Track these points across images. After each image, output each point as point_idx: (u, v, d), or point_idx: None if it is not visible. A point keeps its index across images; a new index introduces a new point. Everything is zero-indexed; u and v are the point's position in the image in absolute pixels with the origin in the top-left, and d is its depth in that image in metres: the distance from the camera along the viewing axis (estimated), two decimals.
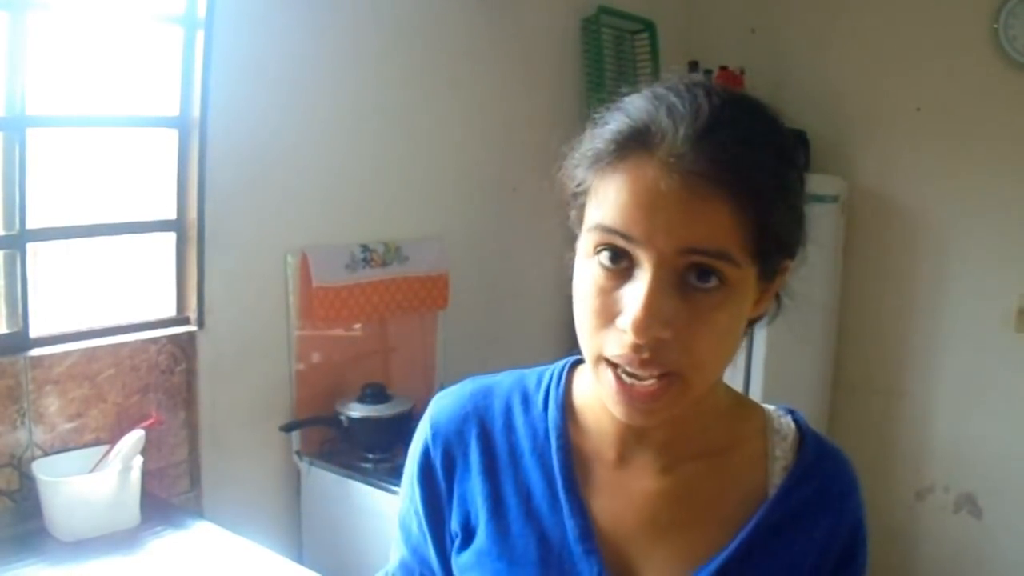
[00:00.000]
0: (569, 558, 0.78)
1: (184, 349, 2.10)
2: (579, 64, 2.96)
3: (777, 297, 0.83)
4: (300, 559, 2.16)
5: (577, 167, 0.74)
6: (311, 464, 2.27)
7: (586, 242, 0.72)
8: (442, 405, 0.88)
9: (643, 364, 0.68)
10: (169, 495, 2.08)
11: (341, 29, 2.33)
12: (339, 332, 2.42)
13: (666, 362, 0.69)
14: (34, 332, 1.87)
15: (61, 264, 1.99)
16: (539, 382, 0.87)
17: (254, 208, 2.21)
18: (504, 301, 2.83)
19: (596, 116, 0.75)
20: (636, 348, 0.68)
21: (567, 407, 0.84)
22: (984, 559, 2.96)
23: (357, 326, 2.46)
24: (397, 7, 2.44)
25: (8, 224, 1.84)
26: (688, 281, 0.68)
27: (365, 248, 2.41)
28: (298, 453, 2.29)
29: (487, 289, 2.78)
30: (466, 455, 0.84)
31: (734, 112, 0.71)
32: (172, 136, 2.09)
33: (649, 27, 3.10)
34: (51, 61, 1.87)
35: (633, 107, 0.72)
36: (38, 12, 1.83)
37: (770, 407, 0.88)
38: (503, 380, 0.88)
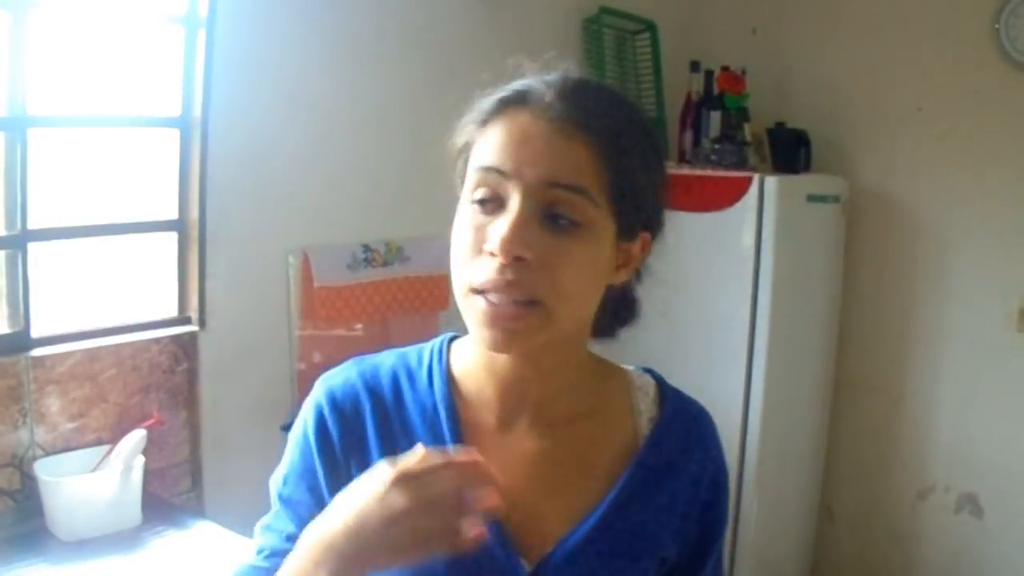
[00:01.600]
0: None
1: (186, 349, 2.10)
2: (580, 64, 2.95)
3: (633, 303, 0.92)
4: None
5: (464, 128, 0.86)
6: None
7: (466, 189, 0.81)
8: (334, 382, 0.91)
9: (508, 285, 0.76)
10: (170, 495, 2.08)
11: (342, 29, 2.33)
12: (340, 332, 2.42)
13: (528, 286, 0.76)
14: (36, 332, 1.87)
15: (63, 264, 1.99)
16: (419, 358, 0.92)
17: (255, 208, 2.21)
18: None
19: (479, 95, 0.87)
20: (501, 269, 0.75)
21: (450, 380, 0.89)
22: (985, 559, 2.96)
23: (358, 326, 2.45)
24: (398, 7, 2.44)
25: (10, 224, 1.84)
26: (552, 218, 0.77)
27: (366, 248, 2.41)
28: None
29: None
30: (362, 428, 0.87)
31: (599, 87, 0.85)
32: (174, 136, 2.09)
33: (650, 27, 3.10)
34: (52, 61, 1.87)
35: (515, 80, 0.86)
36: (39, 12, 1.83)
37: (628, 367, 0.96)
38: (385, 358, 0.93)
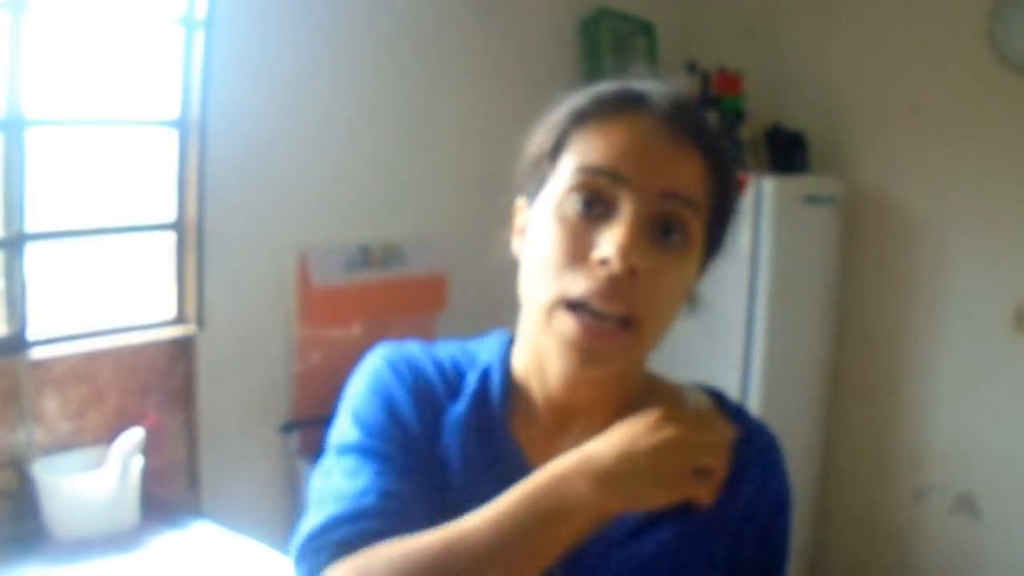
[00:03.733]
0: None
1: (183, 350, 2.10)
2: (578, 65, 2.97)
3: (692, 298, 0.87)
4: None
5: (555, 126, 0.79)
6: (310, 464, 2.27)
7: (557, 191, 0.76)
8: (391, 349, 0.88)
9: (613, 296, 0.72)
10: (168, 495, 2.08)
11: (341, 30, 2.33)
12: (338, 333, 2.42)
13: (631, 300, 0.72)
14: (33, 333, 1.87)
15: (60, 265, 1.99)
16: (479, 357, 0.88)
17: (254, 209, 2.21)
18: (503, 303, 2.83)
19: (568, 94, 0.82)
20: (613, 279, 0.71)
21: (509, 385, 0.85)
22: (982, 559, 2.96)
23: (356, 327, 2.46)
24: (396, 8, 2.45)
25: (8, 225, 1.83)
26: (656, 234, 0.74)
27: (364, 249, 2.42)
28: (297, 453, 2.29)
29: (486, 290, 2.78)
30: (426, 400, 0.84)
31: (695, 103, 0.84)
32: (172, 137, 2.09)
33: (647, 28, 3.11)
34: (51, 62, 1.87)
35: (620, 83, 0.80)
36: (38, 13, 1.83)
37: (683, 384, 0.90)
38: (448, 348, 0.90)
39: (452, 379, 0.86)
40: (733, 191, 0.80)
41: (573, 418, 0.83)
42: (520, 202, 0.85)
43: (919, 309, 3.04)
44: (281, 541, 2.25)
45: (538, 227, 0.77)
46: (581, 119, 0.78)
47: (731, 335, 2.75)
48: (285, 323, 2.30)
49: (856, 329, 3.15)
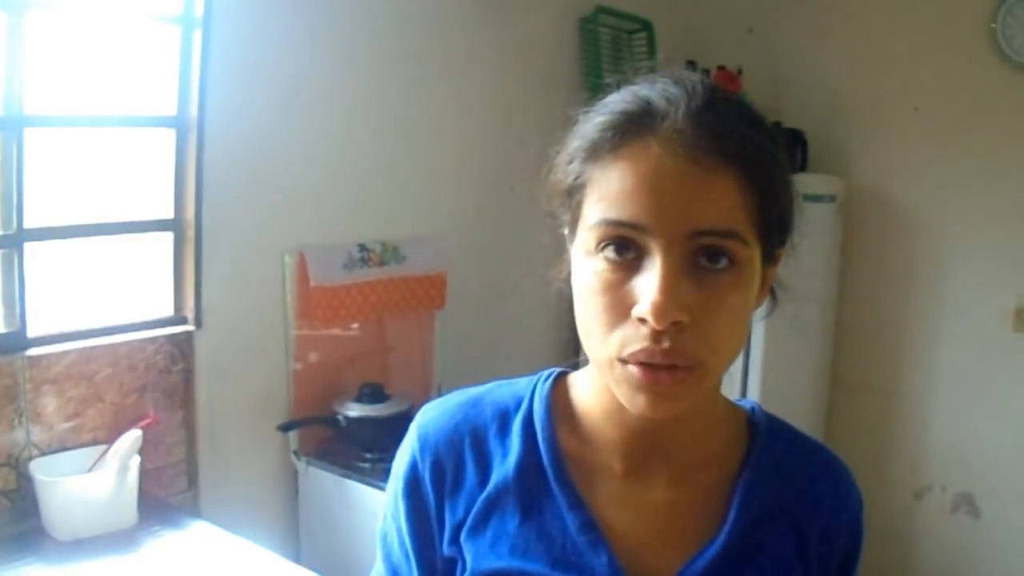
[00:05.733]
0: (575, 550, 0.75)
1: (181, 348, 2.10)
2: (577, 63, 2.96)
3: (772, 290, 0.82)
4: (298, 559, 2.16)
5: (571, 162, 0.73)
6: (309, 464, 2.27)
7: (587, 240, 0.70)
8: (430, 416, 0.84)
9: (665, 355, 0.66)
10: (166, 495, 2.08)
11: (338, 28, 2.33)
12: (337, 332, 2.42)
13: (686, 350, 0.67)
14: (31, 332, 1.87)
15: (59, 264, 1.99)
16: (531, 387, 0.84)
17: (251, 208, 2.20)
18: (502, 301, 2.83)
19: (579, 114, 0.75)
20: (656, 337, 0.66)
21: (555, 410, 0.81)
22: (982, 559, 2.97)
23: (355, 326, 2.45)
24: (394, 7, 2.44)
25: (6, 224, 1.83)
26: (699, 264, 0.67)
27: (363, 248, 2.41)
28: (296, 453, 2.29)
29: (485, 289, 2.78)
30: (460, 466, 0.80)
31: (724, 94, 0.72)
32: (169, 136, 2.09)
33: (647, 26, 3.10)
34: (49, 61, 1.87)
35: (626, 96, 0.72)
36: (37, 12, 1.82)
37: (737, 401, 0.87)
38: (492, 388, 0.86)
39: (508, 415, 0.82)
40: (782, 185, 0.72)
41: (654, 453, 0.79)
42: (565, 232, 0.79)
43: (919, 308, 3.04)
44: (280, 540, 2.25)
45: (577, 274, 0.73)
46: (595, 153, 0.71)
47: None
48: (283, 322, 2.30)
49: (855, 328, 3.15)
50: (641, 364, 0.67)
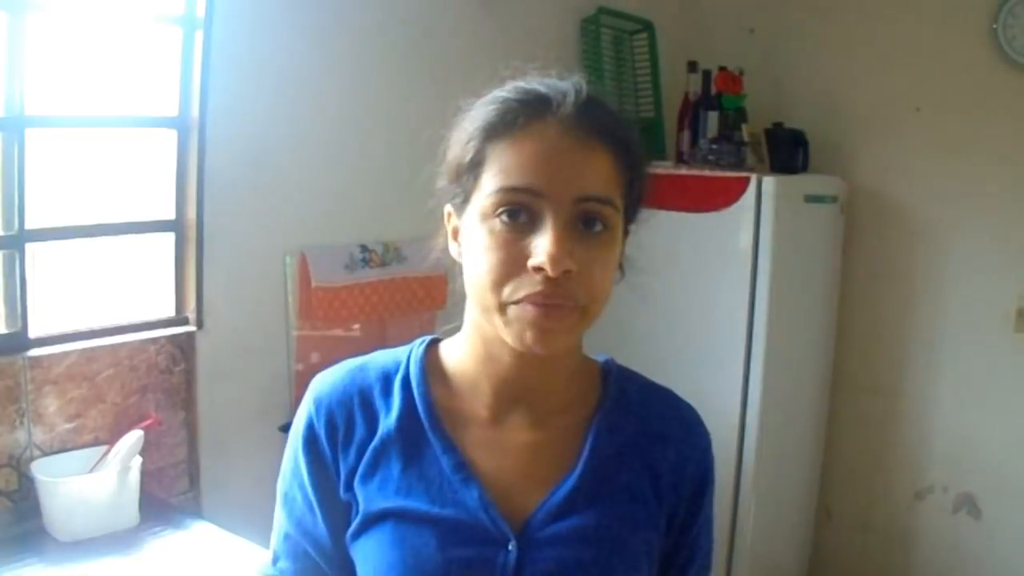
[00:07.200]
0: (450, 488, 0.87)
1: (183, 349, 2.10)
2: (578, 64, 2.96)
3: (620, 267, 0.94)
4: None
5: (469, 141, 0.87)
6: None
7: (484, 206, 0.82)
8: (323, 382, 0.96)
9: (554, 295, 0.79)
10: (168, 495, 2.08)
11: (340, 29, 2.33)
12: (338, 332, 2.42)
13: (573, 295, 0.80)
14: (33, 332, 1.87)
15: (60, 264, 1.99)
16: (408, 352, 0.96)
17: (253, 208, 2.21)
18: None
19: (470, 103, 0.91)
20: (551, 283, 0.79)
21: (429, 370, 0.93)
22: (983, 559, 2.96)
23: (356, 326, 2.45)
24: (395, 7, 2.44)
25: (7, 224, 1.84)
26: (579, 228, 0.81)
27: (364, 248, 2.41)
28: None
29: None
30: (350, 422, 0.91)
31: (598, 92, 0.88)
32: (171, 136, 2.09)
33: (648, 27, 3.11)
34: (50, 61, 1.87)
35: (519, 87, 0.88)
36: (37, 12, 1.82)
37: (597, 358, 0.99)
38: (375, 356, 0.98)
39: (389, 377, 0.94)
40: (642, 167, 0.87)
41: (518, 400, 0.90)
42: (448, 209, 0.95)
43: (919, 308, 3.04)
44: None
45: (471, 238, 0.85)
46: (494, 133, 0.84)
47: (731, 334, 2.74)
48: (285, 322, 2.30)
49: (856, 328, 3.15)
50: (535, 303, 0.80)
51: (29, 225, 1.85)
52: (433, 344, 0.97)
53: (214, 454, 2.17)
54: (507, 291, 0.81)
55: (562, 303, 0.80)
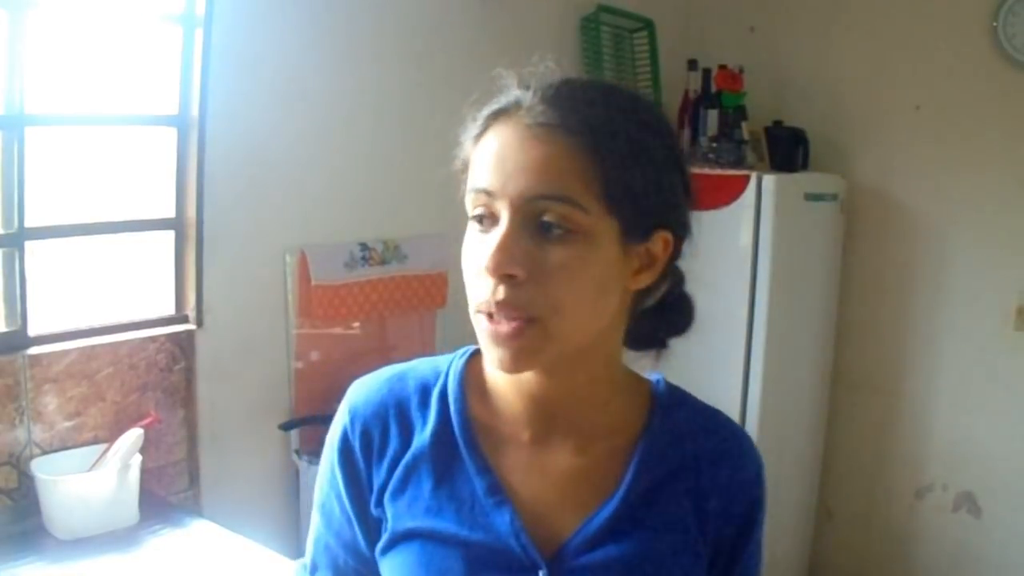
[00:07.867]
0: (481, 511, 0.83)
1: (183, 347, 2.10)
2: (578, 63, 2.96)
3: (681, 307, 0.92)
4: (298, 557, 2.16)
5: (464, 145, 0.84)
6: (310, 462, 2.27)
7: (467, 208, 0.80)
8: (359, 391, 0.92)
9: (500, 306, 0.75)
10: (168, 493, 2.08)
11: (340, 28, 2.32)
12: (338, 330, 2.42)
13: (521, 304, 0.75)
14: (33, 330, 1.87)
15: (60, 262, 1.99)
16: (448, 363, 0.91)
17: (253, 206, 2.21)
18: None
19: (468, 109, 0.86)
20: (494, 289, 0.75)
21: (469, 383, 0.88)
22: (983, 558, 2.96)
23: (356, 324, 2.45)
24: (395, 6, 2.44)
25: (7, 222, 1.84)
26: (541, 231, 0.75)
27: (364, 246, 2.41)
28: (297, 451, 2.28)
29: None
30: (385, 435, 0.88)
31: (587, 83, 0.81)
32: (171, 134, 2.09)
33: (648, 25, 3.10)
34: (50, 60, 1.87)
35: (503, 85, 0.84)
36: (37, 11, 1.82)
37: (649, 376, 0.93)
38: (416, 364, 0.93)
39: (428, 389, 0.89)
40: (632, 159, 0.77)
41: (555, 420, 0.85)
42: None
43: (919, 306, 3.04)
44: (281, 539, 2.25)
45: (464, 239, 0.82)
46: (476, 135, 0.82)
47: (732, 332, 2.75)
48: (285, 321, 2.30)
49: (856, 327, 3.15)
50: (483, 312, 0.77)
51: (29, 223, 1.85)
52: (476, 354, 0.90)
53: (214, 452, 2.17)
54: (471, 296, 0.78)
55: (514, 315, 0.75)
